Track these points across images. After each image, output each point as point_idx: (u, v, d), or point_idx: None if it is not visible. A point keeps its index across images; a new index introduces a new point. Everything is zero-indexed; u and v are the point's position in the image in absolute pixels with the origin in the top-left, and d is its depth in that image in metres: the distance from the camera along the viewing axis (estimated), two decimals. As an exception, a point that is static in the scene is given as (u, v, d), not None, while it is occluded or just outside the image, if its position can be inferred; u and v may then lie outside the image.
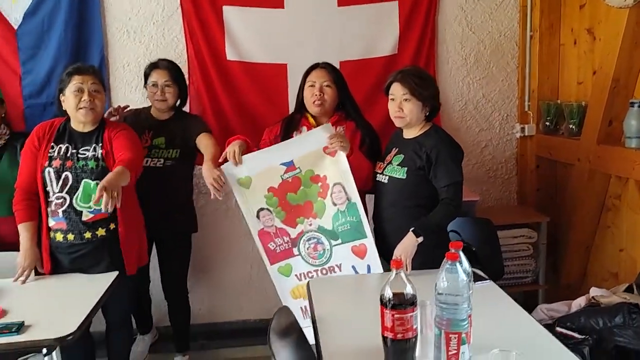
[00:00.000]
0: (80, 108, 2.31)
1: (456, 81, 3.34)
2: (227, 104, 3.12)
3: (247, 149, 2.43)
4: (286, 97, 3.13)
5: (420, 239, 2.14)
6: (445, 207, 2.23)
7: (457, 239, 2.63)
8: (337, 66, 2.88)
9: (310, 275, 2.48)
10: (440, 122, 3.29)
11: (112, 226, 2.37)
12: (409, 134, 2.34)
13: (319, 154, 2.36)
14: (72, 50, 2.96)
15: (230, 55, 3.08)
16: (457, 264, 1.37)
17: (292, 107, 3.03)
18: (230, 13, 3.04)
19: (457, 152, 2.31)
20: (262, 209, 2.45)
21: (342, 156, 2.31)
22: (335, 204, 2.38)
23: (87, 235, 2.32)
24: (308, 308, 2.29)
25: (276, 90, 3.13)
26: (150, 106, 2.81)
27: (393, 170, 2.30)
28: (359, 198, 2.33)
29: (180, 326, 3.00)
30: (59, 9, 2.93)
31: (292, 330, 1.70)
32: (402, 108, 2.24)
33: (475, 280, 2.04)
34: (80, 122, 2.37)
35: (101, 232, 2.35)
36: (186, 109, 3.04)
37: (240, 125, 3.10)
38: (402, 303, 1.34)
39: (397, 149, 2.35)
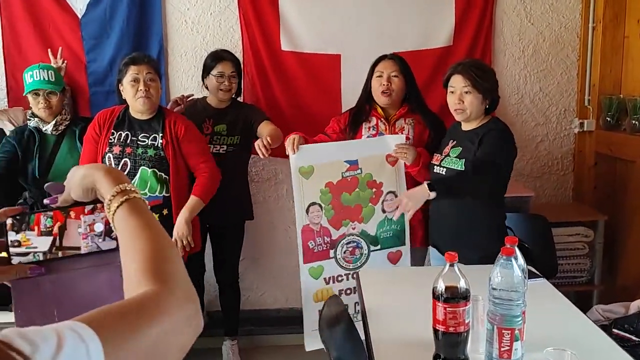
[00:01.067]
0: (138, 97, 2.39)
1: (512, 74, 3.26)
2: (280, 94, 3.14)
3: (305, 143, 2.44)
4: (339, 88, 3.13)
5: (433, 195, 2.10)
6: (467, 175, 2.20)
7: (509, 234, 2.60)
8: None
9: (339, 279, 2.52)
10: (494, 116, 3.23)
11: (165, 212, 2.46)
12: (467, 126, 2.31)
13: (382, 159, 2.41)
14: (133, 39, 3.06)
15: (285, 46, 3.11)
16: (513, 259, 1.35)
17: (344, 98, 3.07)
18: (285, 3, 3.06)
19: (508, 142, 2.25)
20: (313, 204, 2.45)
21: (401, 167, 2.37)
22: (384, 211, 2.45)
23: (141, 220, 2.40)
24: None
25: (329, 81, 3.13)
26: (204, 97, 2.88)
27: (451, 162, 2.28)
28: None
29: (230, 311, 3.07)
30: (120, -1, 3.02)
31: (342, 320, 1.71)
32: (462, 100, 2.21)
33: (529, 277, 2.03)
34: (138, 110, 2.46)
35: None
36: (239, 98, 3.11)
37: (293, 116, 3.13)
38: (454, 297, 1.34)
39: (455, 141, 2.33)
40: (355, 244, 2.49)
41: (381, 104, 2.52)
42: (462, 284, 1.34)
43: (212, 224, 2.86)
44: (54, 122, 2.64)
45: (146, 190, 2.41)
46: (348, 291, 2.56)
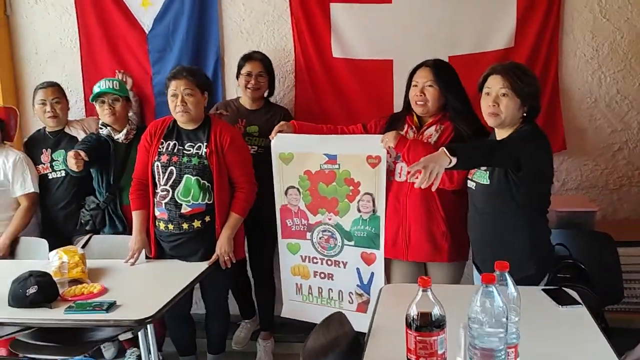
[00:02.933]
0: (177, 112, 2.51)
1: (584, 76, 2.98)
2: (332, 101, 3.14)
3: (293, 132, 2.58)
4: (391, 94, 3.06)
5: (454, 161, 1.87)
6: (487, 144, 2.08)
7: (564, 254, 2.38)
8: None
9: (315, 261, 2.66)
10: (561, 122, 2.99)
11: (207, 219, 2.55)
12: (500, 134, 2.14)
13: (362, 160, 2.43)
14: (192, 51, 3.21)
15: (336, 52, 3.09)
16: (494, 288, 1.24)
17: (397, 104, 3.00)
18: (337, 10, 3.04)
19: (534, 139, 2.05)
20: (292, 187, 2.62)
21: (382, 170, 2.37)
22: (359, 211, 2.49)
23: (185, 226, 2.52)
24: (303, 285, 2.67)
25: (381, 86, 3.07)
26: (238, 97, 2.98)
27: (480, 175, 2.14)
28: (384, 213, 2.41)
29: (266, 306, 3.13)
30: (182, 13, 3.18)
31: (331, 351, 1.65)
32: (497, 103, 2.05)
33: (564, 303, 1.86)
34: (181, 123, 2.57)
35: (197, 224, 2.53)
36: (291, 105, 3.14)
37: (345, 123, 3.07)
38: (427, 325, 1.26)
39: None
40: (330, 233, 2.60)
41: (417, 113, 2.44)
42: (436, 312, 1.26)
43: (249, 222, 2.83)
44: (124, 130, 2.85)
45: (189, 198, 2.51)
46: (322, 275, 2.66)
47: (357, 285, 2.57)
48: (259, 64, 2.90)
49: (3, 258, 2.85)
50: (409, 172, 2.33)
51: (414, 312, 1.27)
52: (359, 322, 1.84)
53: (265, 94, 3.00)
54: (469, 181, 2.22)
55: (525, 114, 2.07)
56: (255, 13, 3.15)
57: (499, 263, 1.33)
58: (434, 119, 2.40)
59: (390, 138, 2.34)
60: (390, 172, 2.44)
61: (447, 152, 1.87)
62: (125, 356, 3.18)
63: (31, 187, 2.95)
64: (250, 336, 3.24)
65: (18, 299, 2.10)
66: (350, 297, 2.60)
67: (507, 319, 1.25)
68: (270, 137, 2.60)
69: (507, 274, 1.32)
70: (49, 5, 3.35)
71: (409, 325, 1.28)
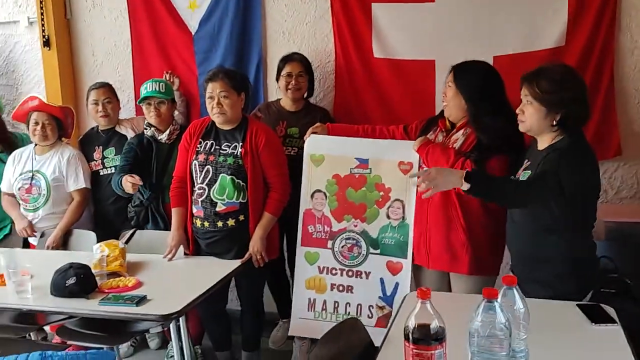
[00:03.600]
0: (213, 114, 2.56)
1: (642, 76, 2.79)
2: (372, 102, 3.10)
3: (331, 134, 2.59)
4: (433, 95, 2.98)
5: (467, 186, 1.83)
6: (516, 184, 1.98)
7: (610, 267, 2.25)
8: (491, 61, 2.68)
9: (333, 272, 2.58)
10: (616, 126, 2.80)
11: (241, 218, 2.59)
12: (541, 143, 2.04)
13: (393, 165, 2.39)
14: (236, 52, 3.26)
15: (377, 53, 3.05)
16: (495, 303, 1.19)
17: (438, 105, 2.91)
18: (378, 10, 3.00)
19: (574, 163, 1.91)
20: (318, 191, 2.59)
21: (413, 178, 2.21)
22: (389, 217, 2.44)
23: (219, 224, 2.57)
24: (316, 301, 2.57)
25: (423, 87, 3.00)
26: (278, 99, 3.00)
27: None
28: (413, 221, 2.36)
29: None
30: (226, 15, 3.24)
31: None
32: (523, 111, 1.99)
33: (598, 321, 1.75)
34: (218, 124, 2.62)
35: (231, 222, 2.58)
36: (331, 106, 3.13)
37: (385, 124, 3.03)
38: (424, 338, 1.22)
39: (529, 161, 2.08)
40: (354, 241, 2.54)
41: (448, 116, 2.38)
42: (435, 324, 1.22)
43: (286, 222, 2.84)
44: (167, 131, 2.94)
45: (224, 197, 2.57)
46: (340, 287, 2.58)
47: (379, 297, 2.51)
48: (299, 64, 2.93)
49: (56, 249, 3.02)
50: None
51: (412, 323, 1.23)
52: (378, 338, 1.79)
53: (305, 95, 3.01)
54: None
55: (556, 122, 1.94)
56: (297, 14, 3.17)
57: (506, 277, 1.27)
58: (462, 122, 2.32)
59: (417, 142, 2.32)
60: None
61: (464, 175, 1.84)
62: (168, 348, 3.28)
63: (83, 183, 3.10)
64: (287, 336, 3.26)
65: (58, 288, 2.22)
66: (370, 310, 2.54)
67: (510, 335, 1.19)
68: (304, 138, 2.62)
69: (515, 289, 1.26)
70: (105, 9, 3.51)
71: (406, 338, 1.24)
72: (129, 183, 2.76)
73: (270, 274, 3.00)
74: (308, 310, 2.63)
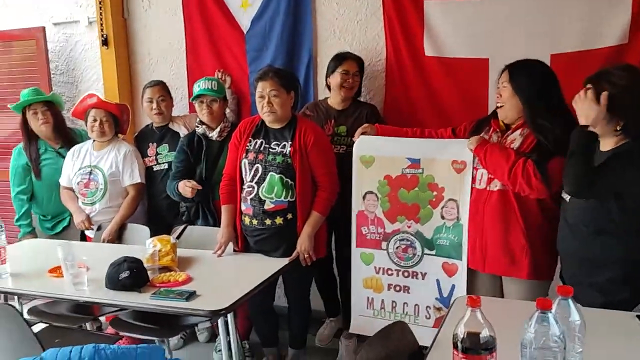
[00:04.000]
0: (263, 113, 2.58)
1: None
2: (423, 102, 3.06)
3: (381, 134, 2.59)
4: (486, 94, 2.90)
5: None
6: (589, 163, 1.88)
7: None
8: (548, 60, 2.60)
9: (389, 272, 2.58)
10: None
11: (289, 216, 2.60)
12: (603, 145, 1.95)
13: (447, 164, 2.34)
14: (287, 50, 3.28)
15: (429, 51, 3.00)
16: (549, 314, 1.14)
17: (492, 105, 2.83)
18: (431, 7, 2.95)
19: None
20: (370, 192, 2.58)
21: (467, 176, 2.26)
22: (443, 218, 2.40)
23: (267, 222, 2.59)
24: (374, 300, 2.57)
25: (476, 87, 2.93)
26: (326, 98, 3.01)
27: None
28: (467, 221, 2.29)
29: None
30: (278, 13, 3.26)
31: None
32: None
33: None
34: (268, 122, 2.64)
35: (279, 220, 2.59)
36: (381, 105, 3.10)
37: (436, 124, 2.99)
38: (474, 347, 1.19)
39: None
40: (408, 242, 2.51)
41: (500, 116, 2.31)
42: (485, 333, 1.19)
43: (334, 221, 2.85)
44: (218, 129, 2.99)
45: (273, 195, 2.58)
46: (397, 287, 2.59)
47: (436, 299, 2.48)
48: (355, 63, 2.93)
49: (112, 242, 3.13)
50: (489, 179, 2.24)
51: (461, 331, 1.20)
52: None
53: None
54: (563, 192, 2.05)
55: (620, 128, 1.85)
56: (348, 12, 3.15)
57: (561, 288, 1.22)
58: (518, 123, 2.25)
59: (473, 141, 2.26)
60: (472, 180, 2.34)
61: None
62: (216, 341, 3.34)
63: (138, 178, 3.20)
64: (334, 334, 3.27)
65: (112, 281, 2.29)
66: (427, 311, 2.52)
67: (565, 348, 1.14)
68: (353, 138, 2.61)
69: (570, 300, 1.21)
70: (161, 9, 3.60)
71: (455, 346, 1.22)
72: (188, 188, 2.83)
73: (318, 272, 3.01)
74: (367, 308, 2.66)
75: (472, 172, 2.33)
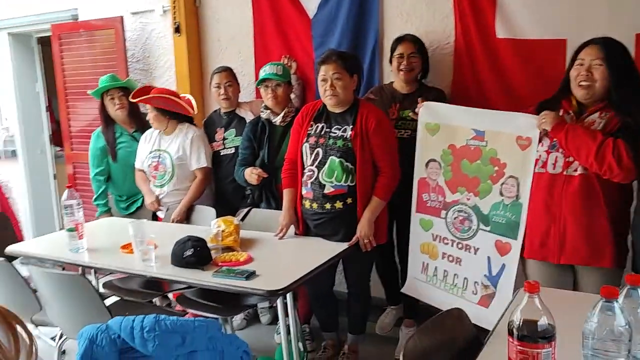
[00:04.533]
0: (325, 96, 2.56)
1: None
2: (493, 85, 2.93)
3: None
4: (562, 77, 2.74)
5: None
6: None
7: None
8: (632, 40, 2.44)
9: (445, 241, 2.57)
10: None
11: (349, 201, 2.58)
12: None
13: (511, 140, 2.24)
14: (352, 35, 3.24)
15: (501, 33, 2.86)
16: (615, 303, 1.06)
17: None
18: (503, -14, 2.82)
19: None
20: (433, 160, 2.56)
21: (531, 154, 2.16)
22: (502, 195, 2.31)
23: (327, 206, 2.59)
24: (429, 265, 2.57)
25: (551, 69, 2.74)
26: (392, 82, 2.96)
27: None
28: (527, 200, 2.19)
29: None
30: (344, -3, 3.23)
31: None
32: None
33: None
34: (330, 106, 2.62)
35: (339, 205, 2.58)
36: (448, 90, 3.01)
37: (507, 109, 2.85)
38: (531, 335, 1.12)
39: None
40: (466, 215, 2.46)
41: (579, 97, 2.15)
42: (543, 321, 1.12)
43: (396, 206, 2.81)
44: (282, 114, 3.02)
45: (333, 179, 2.58)
46: (450, 258, 2.56)
47: (485, 276, 2.42)
48: (411, 44, 2.85)
49: (180, 222, 3.24)
50: (566, 163, 2.11)
51: (517, 318, 1.14)
52: (478, 316, 1.73)
53: (419, 77, 2.92)
54: None
55: None
56: (416, -7, 3.07)
57: (630, 277, 1.13)
58: (598, 105, 2.10)
59: (549, 119, 2.12)
60: (542, 164, 2.21)
61: None
62: (278, 324, 3.39)
63: (204, 162, 3.28)
64: (394, 322, 3.23)
65: (177, 259, 2.37)
66: (475, 287, 2.46)
67: (630, 340, 1.06)
68: (417, 106, 2.59)
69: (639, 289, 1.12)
70: (231, -5, 3.67)
71: (510, 333, 1.16)
72: (254, 175, 2.88)
73: (379, 259, 2.98)
74: (421, 273, 2.67)
75: (543, 156, 2.20)
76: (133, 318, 1.61)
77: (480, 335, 1.66)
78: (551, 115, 2.14)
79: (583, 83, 2.10)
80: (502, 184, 2.33)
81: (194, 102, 3.44)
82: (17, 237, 3.79)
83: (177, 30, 3.72)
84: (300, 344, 2.98)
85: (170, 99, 3.22)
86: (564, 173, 2.14)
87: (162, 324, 1.58)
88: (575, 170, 2.11)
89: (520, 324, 1.13)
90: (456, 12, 2.96)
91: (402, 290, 2.78)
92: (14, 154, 5.08)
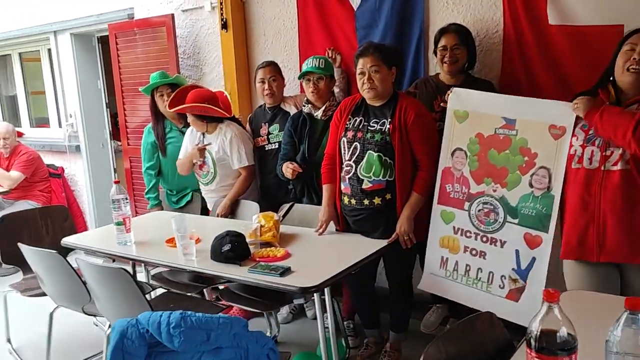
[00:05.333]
0: (364, 89, 2.50)
1: None
2: (544, 75, 2.76)
3: None
4: (620, 66, 2.56)
5: None
6: None
7: None
8: None
9: (468, 235, 2.47)
10: None
11: (388, 196, 2.53)
12: None
13: (543, 128, 2.14)
14: (396, 26, 3.15)
15: (553, 19, 2.70)
16: (640, 315, 0.97)
17: (626, 78, 2.51)
18: (556, -29, 2.65)
19: None
20: (459, 149, 2.47)
21: (565, 144, 2.06)
22: (531, 186, 2.20)
23: (366, 202, 2.54)
24: (449, 260, 2.46)
25: (607, 58, 2.54)
26: (437, 74, 2.86)
27: None
28: (559, 192, 2.08)
29: None
30: (389, -13, 3.14)
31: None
32: None
33: None
34: (368, 99, 2.57)
35: (377, 200, 2.53)
36: (496, 80, 2.88)
37: (559, 98, 2.71)
38: (550, 347, 1.05)
39: None
40: (492, 207, 2.35)
41: (624, 83, 2.02)
42: (563, 332, 1.04)
43: None
44: (323, 107, 2.99)
45: (371, 174, 2.53)
46: (473, 251, 2.47)
47: (513, 269, 2.31)
48: (455, 35, 2.74)
49: (225, 217, 3.29)
50: (604, 158, 1.98)
51: (535, 328, 1.07)
52: (507, 310, 1.66)
53: (466, 68, 2.81)
54: None
55: None
56: (464, -19, 2.95)
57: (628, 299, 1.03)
58: (638, 96, 1.96)
59: (582, 105, 2.02)
60: (578, 159, 2.08)
61: None
62: (323, 318, 3.39)
63: (246, 160, 3.29)
64: (440, 321, 3.15)
65: (215, 253, 2.41)
66: (502, 280, 2.35)
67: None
68: (447, 93, 2.51)
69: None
70: (276, -11, 3.66)
71: (528, 344, 1.08)
72: (289, 169, 2.88)
73: (422, 255, 2.90)
74: (440, 268, 2.57)
75: (579, 151, 2.09)
76: (161, 314, 1.64)
77: (513, 339, 1.58)
78: (584, 99, 2.05)
79: (633, 68, 1.97)
80: (533, 174, 2.22)
81: (229, 97, 3.47)
82: (77, 228, 3.98)
83: (224, 26, 3.75)
84: (343, 340, 2.97)
85: (203, 106, 3.22)
86: (602, 168, 2.02)
87: (187, 320, 1.60)
88: (615, 164, 2.00)
89: (539, 334, 1.06)
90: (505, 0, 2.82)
91: (419, 286, 2.68)
92: (77, 149, 5.33)
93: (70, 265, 2.59)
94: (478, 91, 2.43)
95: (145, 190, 3.68)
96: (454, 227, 2.52)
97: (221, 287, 3.32)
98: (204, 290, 3.22)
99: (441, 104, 2.65)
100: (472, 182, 2.43)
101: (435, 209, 2.58)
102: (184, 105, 3.25)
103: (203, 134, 3.36)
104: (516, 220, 2.30)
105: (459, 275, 2.52)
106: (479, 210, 2.42)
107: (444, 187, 2.54)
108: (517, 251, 2.30)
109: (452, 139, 2.49)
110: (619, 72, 2.03)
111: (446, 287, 2.56)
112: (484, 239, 2.42)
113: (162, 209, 3.68)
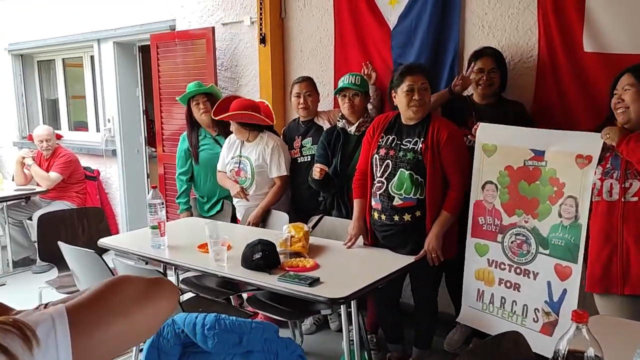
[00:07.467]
0: (411, 106, 2.55)
1: None
2: (577, 101, 2.79)
3: None
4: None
5: None
6: None
7: None
8: None
9: (502, 267, 2.48)
10: None
11: (418, 213, 2.57)
12: None
13: (571, 158, 2.16)
14: (432, 47, 3.22)
15: (589, 47, 2.73)
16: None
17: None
18: (593, 1, 2.68)
19: None
20: (490, 182, 2.49)
21: (590, 173, 2.08)
22: (560, 216, 2.21)
23: (396, 218, 2.59)
24: (485, 293, 2.47)
25: (643, 86, 2.60)
26: (471, 94, 2.91)
27: None
28: (586, 221, 2.09)
29: None
30: (425, 9, 3.21)
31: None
32: None
33: None
34: (408, 117, 2.63)
35: (407, 217, 2.58)
36: (529, 104, 2.91)
37: (592, 125, 2.73)
38: (578, 368, 1.09)
39: None
40: (524, 238, 2.35)
41: (620, 123, 2.12)
42: (590, 353, 1.08)
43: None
44: (357, 124, 3.06)
45: (402, 191, 2.58)
46: (508, 284, 2.47)
47: (545, 302, 2.31)
48: (491, 59, 2.80)
49: (256, 225, 3.36)
50: (623, 190, 2.00)
51: (562, 347, 1.11)
52: (540, 345, 1.66)
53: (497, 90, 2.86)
54: None
55: None
56: (499, 5, 2.99)
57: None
58: None
59: (613, 134, 2.05)
60: (597, 192, 2.13)
61: None
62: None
63: (284, 170, 3.38)
64: (464, 340, 3.16)
65: (246, 261, 2.47)
66: (535, 314, 2.35)
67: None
68: (474, 127, 2.54)
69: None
70: (314, 8, 3.76)
71: (555, 364, 1.12)
72: (318, 170, 2.95)
73: (448, 274, 2.93)
74: (477, 301, 2.59)
75: (598, 184, 2.14)
76: (196, 315, 1.71)
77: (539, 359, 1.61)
78: (615, 129, 2.08)
79: (618, 109, 2.10)
80: (561, 204, 2.24)
81: (270, 107, 3.56)
82: (111, 230, 4.11)
83: (262, 40, 3.87)
84: (366, 354, 3.00)
85: (248, 113, 3.32)
86: (622, 200, 2.07)
87: (221, 323, 1.67)
88: (635, 195, 2.04)
89: (566, 354, 1.10)
90: (540, 25, 2.86)
91: (458, 319, 2.71)
92: (113, 153, 5.50)
93: (107, 265, 2.69)
94: (504, 125, 2.47)
95: (177, 195, 3.79)
96: (488, 260, 2.53)
97: (245, 295, 3.40)
98: (230, 297, 3.29)
99: (468, 137, 2.69)
100: (504, 214, 2.45)
101: (469, 241, 2.60)
102: (230, 113, 3.35)
103: (243, 142, 3.45)
104: (547, 251, 2.31)
105: (495, 308, 2.52)
106: (512, 242, 2.44)
107: (476, 220, 2.56)
108: (549, 283, 2.31)
109: (482, 172, 2.52)
110: (614, 109, 2.14)
111: (485, 322, 2.56)
112: (518, 270, 2.43)
113: (191, 215, 3.78)
